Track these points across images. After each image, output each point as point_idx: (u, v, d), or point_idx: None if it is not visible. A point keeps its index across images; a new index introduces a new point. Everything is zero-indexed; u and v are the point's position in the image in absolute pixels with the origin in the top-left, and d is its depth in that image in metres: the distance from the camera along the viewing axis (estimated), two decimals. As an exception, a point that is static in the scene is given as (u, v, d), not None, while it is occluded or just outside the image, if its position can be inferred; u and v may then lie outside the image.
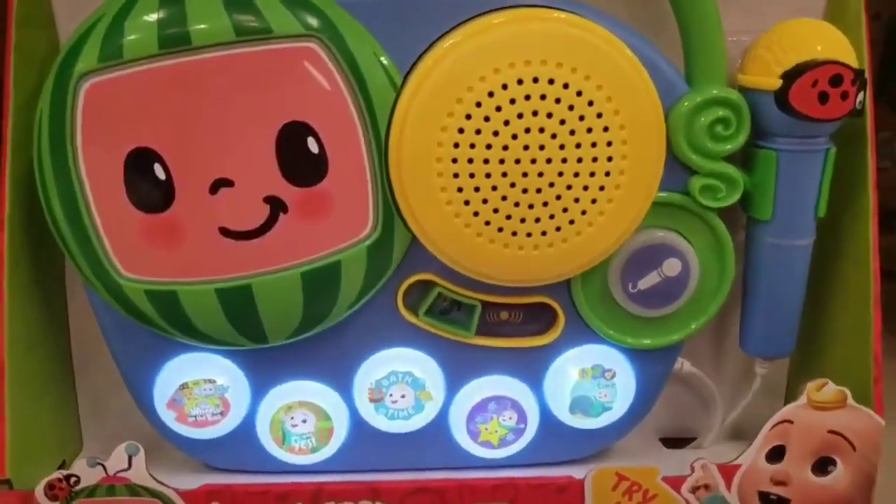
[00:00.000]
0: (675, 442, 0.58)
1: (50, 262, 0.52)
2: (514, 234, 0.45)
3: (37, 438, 0.51)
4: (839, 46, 0.46)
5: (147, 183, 0.44)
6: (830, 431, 0.49)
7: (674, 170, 0.47)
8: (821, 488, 0.50)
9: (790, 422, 0.49)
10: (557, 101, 0.42)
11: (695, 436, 0.58)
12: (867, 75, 0.47)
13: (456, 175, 0.43)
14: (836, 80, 0.46)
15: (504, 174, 0.43)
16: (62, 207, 0.45)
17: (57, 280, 0.54)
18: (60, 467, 0.52)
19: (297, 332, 0.48)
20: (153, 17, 0.43)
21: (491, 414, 0.51)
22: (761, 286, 0.51)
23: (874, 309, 0.50)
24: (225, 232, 0.45)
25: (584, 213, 0.45)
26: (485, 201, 0.44)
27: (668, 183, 0.47)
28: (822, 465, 0.50)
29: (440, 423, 0.52)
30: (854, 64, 0.46)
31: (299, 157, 0.44)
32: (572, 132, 0.43)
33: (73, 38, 0.44)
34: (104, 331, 0.50)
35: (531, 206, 0.44)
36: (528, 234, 0.45)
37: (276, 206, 0.45)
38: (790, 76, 0.46)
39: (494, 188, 0.44)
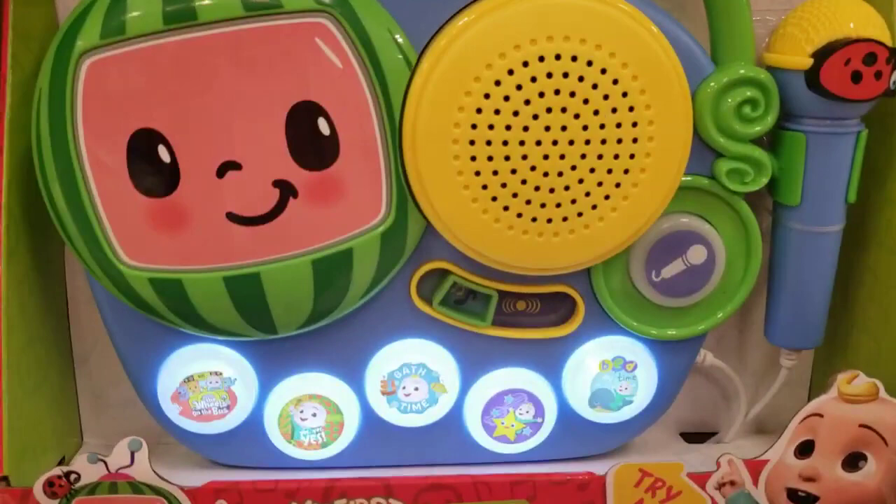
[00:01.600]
0: (694, 436, 0.57)
1: (49, 249, 0.51)
2: (534, 219, 0.43)
3: (35, 433, 0.50)
4: (872, 23, 0.45)
5: (151, 166, 0.43)
6: (862, 426, 0.47)
7: (699, 153, 0.46)
8: (852, 484, 0.48)
9: (819, 415, 0.48)
10: (581, 79, 0.41)
11: (715, 430, 0.57)
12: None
13: (473, 158, 0.42)
14: (869, 59, 0.44)
15: (524, 157, 0.42)
16: (62, 192, 0.43)
17: (56, 268, 0.52)
18: (60, 463, 0.51)
19: (308, 322, 0.47)
20: (157, -9, 0.41)
21: (507, 407, 0.50)
22: (788, 274, 0.49)
23: (905, 298, 0.49)
24: (232, 217, 0.43)
25: (607, 197, 0.43)
26: (503, 185, 0.42)
27: (694, 166, 0.45)
28: (853, 461, 0.48)
29: (454, 416, 0.50)
30: (888, 42, 0.45)
31: (310, 139, 0.43)
32: (596, 112, 0.41)
33: (73, 15, 0.42)
34: (105, 321, 0.48)
35: (552, 191, 0.43)
36: (549, 220, 0.43)
37: (286, 190, 0.43)
38: (821, 55, 0.44)
39: (513, 171, 0.42)
